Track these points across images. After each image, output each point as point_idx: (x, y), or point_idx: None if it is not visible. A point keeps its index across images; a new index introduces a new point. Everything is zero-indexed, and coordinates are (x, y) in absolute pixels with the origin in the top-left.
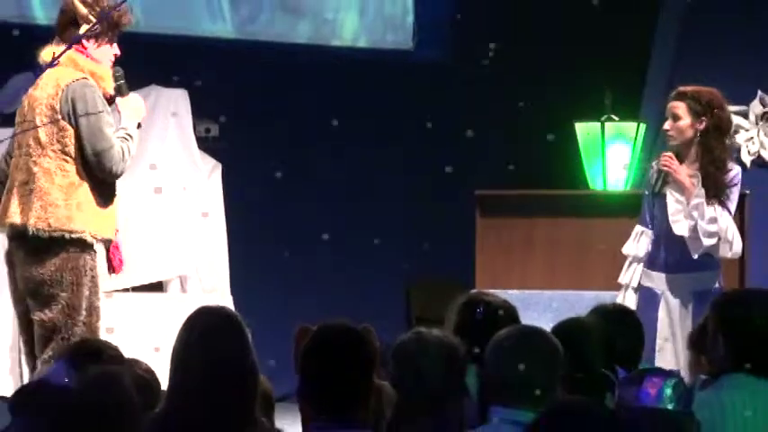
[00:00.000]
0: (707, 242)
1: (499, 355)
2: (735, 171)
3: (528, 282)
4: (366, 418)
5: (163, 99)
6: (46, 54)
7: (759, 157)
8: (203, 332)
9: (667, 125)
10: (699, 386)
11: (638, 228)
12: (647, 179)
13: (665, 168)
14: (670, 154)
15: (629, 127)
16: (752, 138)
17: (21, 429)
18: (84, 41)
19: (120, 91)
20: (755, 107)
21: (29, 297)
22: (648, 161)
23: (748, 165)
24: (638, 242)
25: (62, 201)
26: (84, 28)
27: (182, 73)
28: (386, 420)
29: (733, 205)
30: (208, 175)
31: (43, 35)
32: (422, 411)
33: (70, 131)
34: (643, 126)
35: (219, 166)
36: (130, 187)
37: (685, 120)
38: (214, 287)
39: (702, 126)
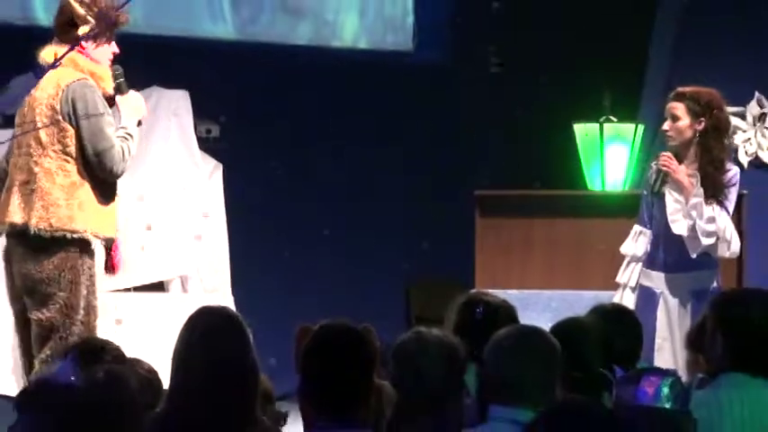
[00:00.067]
0: (705, 242)
1: (498, 354)
2: (733, 171)
3: (527, 282)
4: (366, 417)
5: (164, 100)
6: (45, 54)
7: (756, 157)
8: (204, 332)
9: (666, 126)
10: (696, 385)
11: (637, 227)
12: (645, 179)
13: (664, 168)
14: (669, 154)
15: (628, 128)
16: (749, 139)
17: (27, 427)
18: (82, 42)
19: (119, 89)
20: (753, 108)
21: (26, 295)
22: (647, 162)
23: (745, 165)
24: (637, 242)
25: (63, 201)
26: (82, 29)
27: (183, 74)
28: (386, 420)
29: (731, 205)
30: (209, 176)
31: (45, 36)
32: (422, 411)
33: (71, 132)
34: (641, 127)
35: (220, 167)
36: (132, 187)
37: (684, 120)
38: (215, 287)
39: (701, 126)
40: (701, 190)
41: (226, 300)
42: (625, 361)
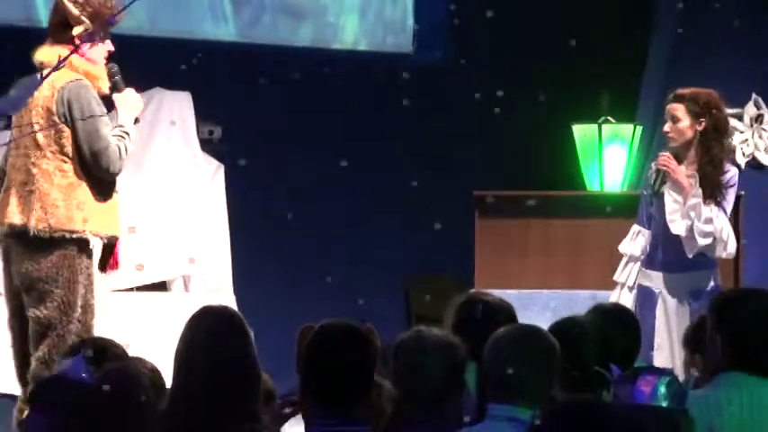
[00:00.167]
0: (702, 242)
1: (497, 353)
2: (732, 172)
3: (526, 281)
4: (367, 415)
5: (166, 101)
6: (40, 55)
7: (753, 158)
8: (206, 331)
9: (667, 127)
10: (693, 384)
11: (636, 227)
12: (645, 178)
13: (664, 168)
14: (668, 154)
15: (626, 129)
16: (746, 140)
17: (39, 423)
18: (77, 42)
19: (116, 87)
20: (750, 109)
21: (24, 293)
22: (645, 162)
23: (743, 166)
24: (635, 241)
25: (62, 201)
26: (77, 29)
27: (185, 75)
28: (386, 418)
29: (729, 206)
30: (211, 177)
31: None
32: (422, 409)
33: (67, 132)
34: (639, 128)
35: (222, 168)
36: (134, 188)
37: (684, 121)
38: (217, 287)
39: (702, 127)
40: (700, 190)
41: (228, 299)
42: (623, 360)
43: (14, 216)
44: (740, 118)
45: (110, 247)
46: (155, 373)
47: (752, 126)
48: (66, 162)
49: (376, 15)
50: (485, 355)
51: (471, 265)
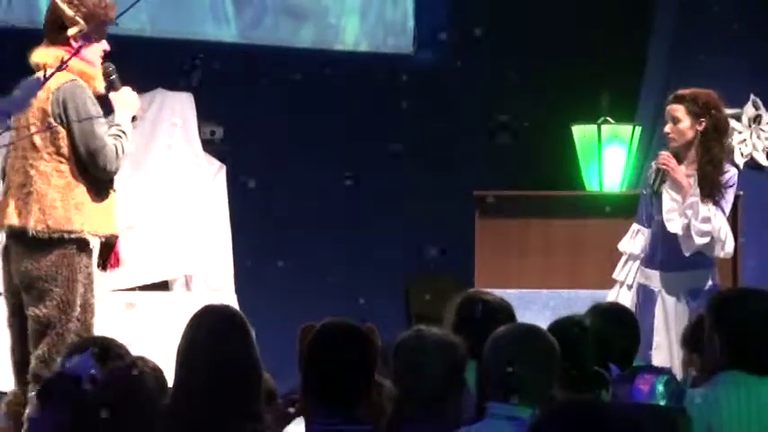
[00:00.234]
0: (699, 241)
1: (497, 352)
2: (731, 173)
3: (526, 281)
4: (367, 414)
5: (168, 102)
6: (37, 56)
7: (752, 159)
8: (208, 330)
9: (667, 128)
10: (690, 383)
11: (635, 226)
12: (645, 177)
13: (663, 167)
14: (668, 153)
15: (625, 129)
16: (744, 140)
17: (48, 418)
18: (72, 43)
19: (112, 86)
20: (748, 110)
21: (24, 292)
22: (644, 163)
23: (741, 166)
24: (634, 240)
25: (60, 202)
26: (72, 30)
27: (187, 76)
28: (387, 417)
29: (728, 206)
30: (212, 177)
31: None
32: (422, 408)
33: (63, 133)
34: (638, 128)
35: (224, 168)
36: (136, 188)
37: (685, 122)
38: (219, 286)
39: (702, 127)
40: (698, 189)
41: (229, 298)
42: (622, 359)
43: (13, 218)
44: (738, 118)
45: (109, 246)
46: (157, 373)
47: (750, 126)
48: (62, 163)
49: (377, 17)
50: (484, 354)
51: (471, 265)
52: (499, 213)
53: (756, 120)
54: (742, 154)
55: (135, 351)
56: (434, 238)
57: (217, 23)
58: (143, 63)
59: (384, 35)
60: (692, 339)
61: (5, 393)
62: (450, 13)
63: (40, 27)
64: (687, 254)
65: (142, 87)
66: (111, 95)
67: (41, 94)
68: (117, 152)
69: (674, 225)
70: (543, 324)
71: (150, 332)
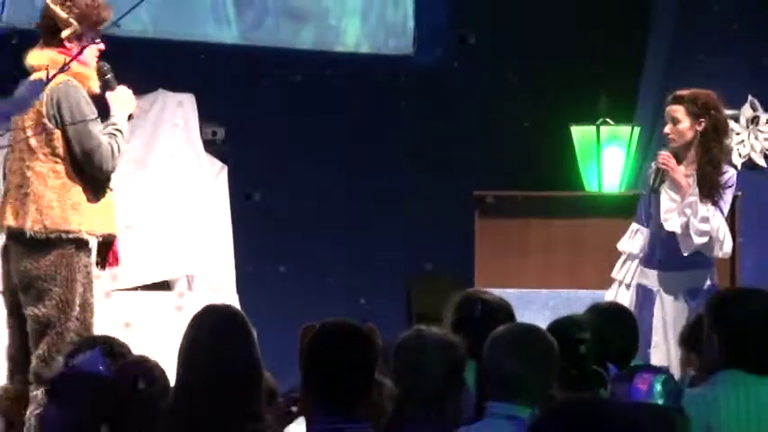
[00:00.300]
0: (698, 240)
1: (496, 351)
2: (730, 173)
3: (526, 281)
4: (368, 413)
5: (170, 103)
6: (31, 58)
7: (749, 159)
8: (209, 330)
9: (667, 129)
10: (688, 383)
11: (634, 225)
12: (644, 177)
13: (663, 166)
14: (668, 153)
15: (624, 130)
16: (742, 141)
17: (56, 414)
18: (67, 44)
19: (108, 85)
20: (746, 111)
21: (21, 291)
22: (643, 163)
23: (739, 167)
24: (633, 239)
25: (56, 202)
26: (66, 32)
27: (188, 77)
28: (387, 416)
29: (726, 206)
30: (214, 177)
31: None
32: (422, 407)
33: (58, 134)
34: (637, 129)
35: (225, 168)
36: (138, 188)
37: (684, 123)
38: (220, 286)
39: (701, 127)
40: (697, 189)
41: (231, 298)
42: (620, 359)
43: (11, 219)
44: (736, 119)
45: (107, 245)
46: (159, 371)
47: (748, 127)
48: (58, 163)
49: (377, 18)
50: (484, 354)
51: (471, 265)
52: (499, 213)
53: (754, 121)
54: (740, 155)
55: (137, 351)
56: (434, 238)
57: (218, 25)
58: (145, 64)
59: (385, 37)
60: (690, 339)
61: None
62: (451, 14)
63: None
64: (686, 253)
65: (144, 88)
66: (108, 95)
67: None
68: (113, 151)
69: (673, 224)
70: (543, 324)
71: (152, 332)
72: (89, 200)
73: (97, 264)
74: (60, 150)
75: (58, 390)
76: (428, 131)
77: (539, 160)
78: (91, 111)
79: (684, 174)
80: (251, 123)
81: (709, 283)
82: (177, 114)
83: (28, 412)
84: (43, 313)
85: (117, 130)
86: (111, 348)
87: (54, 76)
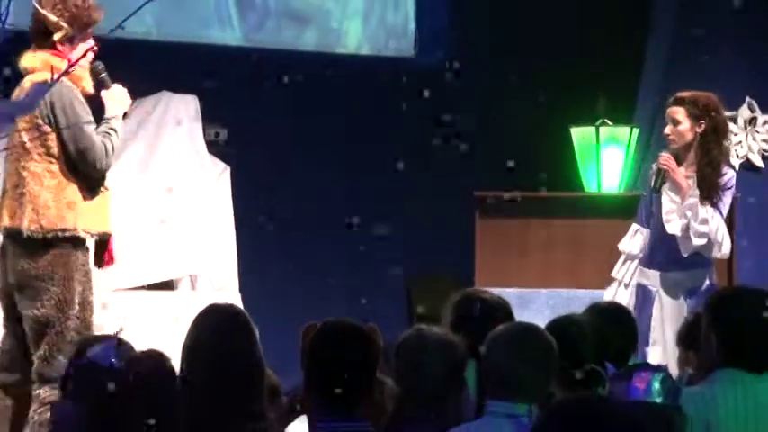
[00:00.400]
0: (697, 242)
1: (496, 350)
2: (729, 175)
3: (526, 280)
4: (369, 412)
5: (173, 104)
6: (25, 61)
7: (747, 160)
8: (212, 329)
9: (667, 130)
10: (686, 381)
11: (635, 226)
12: (647, 177)
13: (664, 167)
14: (669, 154)
15: (623, 131)
16: (740, 142)
17: (71, 408)
18: (59, 47)
19: (103, 84)
20: (744, 112)
21: (18, 292)
22: (642, 164)
23: (737, 168)
24: (633, 239)
25: (52, 202)
26: (57, 34)
27: (191, 79)
28: (388, 414)
29: (725, 208)
30: (217, 178)
31: None
32: (423, 406)
33: (52, 134)
34: (636, 130)
35: (228, 169)
36: (141, 188)
37: (685, 124)
38: (223, 285)
39: (701, 129)
40: (697, 191)
41: (233, 298)
42: (619, 358)
43: (7, 219)
44: (734, 120)
45: (103, 244)
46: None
47: (745, 128)
48: (53, 163)
49: (378, 20)
50: (483, 353)
51: (472, 265)
52: (499, 214)
53: (752, 122)
54: (737, 155)
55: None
56: (435, 238)
57: (221, 27)
58: (149, 66)
59: (386, 38)
60: (687, 338)
61: None
62: (451, 16)
63: None
64: (685, 254)
65: (148, 90)
66: (103, 93)
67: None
68: (106, 150)
69: (674, 226)
70: (542, 323)
71: (155, 331)
72: (85, 199)
73: (94, 263)
74: (55, 150)
75: (73, 383)
76: (429, 131)
77: (539, 161)
78: (84, 110)
79: (684, 175)
80: (254, 125)
81: (707, 282)
82: (180, 116)
83: (31, 411)
84: (42, 313)
85: (111, 129)
86: (120, 343)
87: (59, 77)
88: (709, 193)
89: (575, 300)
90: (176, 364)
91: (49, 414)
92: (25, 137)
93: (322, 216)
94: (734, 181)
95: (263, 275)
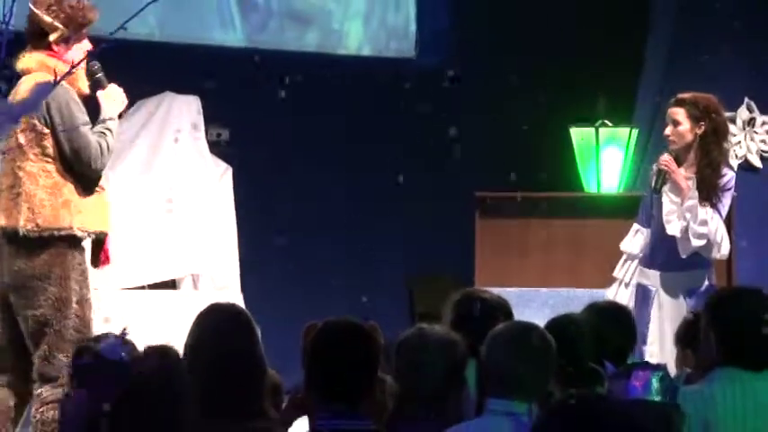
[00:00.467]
0: (696, 243)
1: (495, 349)
2: (729, 176)
3: (526, 280)
4: (370, 410)
5: (176, 105)
6: (22, 63)
7: (746, 160)
8: (214, 328)
9: (668, 131)
10: (684, 380)
11: (635, 226)
12: (646, 178)
13: (665, 168)
14: (669, 156)
15: (622, 132)
16: (739, 142)
17: (82, 400)
18: (54, 47)
19: (99, 84)
20: (742, 113)
21: (13, 292)
22: (641, 164)
23: (735, 168)
24: (634, 239)
25: (48, 201)
26: (53, 35)
27: (194, 79)
28: (388, 412)
29: (725, 209)
30: (219, 178)
31: None
32: (423, 404)
33: (48, 134)
34: (635, 131)
35: (230, 169)
36: (143, 189)
37: (685, 125)
38: (225, 285)
39: (701, 130)
40: (697, 192)
41: (235, 297)
42: (617, 356)
43: (3, 219)
44: (733, 121)
45: (99, 243)
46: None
47: (744, 129)
48: (49, 163)
49: (379, 22)
50: (483, 352)
51: (472, 264)
52: (499, 214)
53: (750, 122)
54: (736, 156)
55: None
56: (435, 238)
57: (223, 28)
58: (151, 67)
59: (386, 39)
60: (686, 337)
61: None
62: (452, 17)
63: None
64: (684, 255)
65: (150, 90)
66: (99, 93)
67: (25, 95)
68: (102, 150)
69: (673, 227)
70: (542, 322)
71: (157, 330)
72: (82, 198)
73: (90, 262)
74: (50, 150)
75: (83, 377)
76: (429, 132)
77: (539, 161)
78: (80, 111)
79: (684, 176)
80: (255, 125)
81: (707, 283)
82: (183, 116)
83: (33, 410)
84: (41, 313)
85: (107, 129)
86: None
87: (63, 78)
88: (709, 194)
89: (574, 299)
90: None
91: (51, 413)
92: (21, 137)
93: (323, 216)
94: (733, 182)
95: (265, 275)
